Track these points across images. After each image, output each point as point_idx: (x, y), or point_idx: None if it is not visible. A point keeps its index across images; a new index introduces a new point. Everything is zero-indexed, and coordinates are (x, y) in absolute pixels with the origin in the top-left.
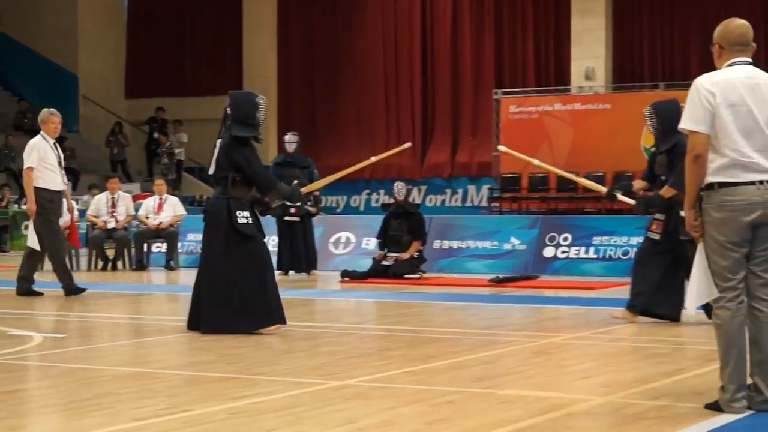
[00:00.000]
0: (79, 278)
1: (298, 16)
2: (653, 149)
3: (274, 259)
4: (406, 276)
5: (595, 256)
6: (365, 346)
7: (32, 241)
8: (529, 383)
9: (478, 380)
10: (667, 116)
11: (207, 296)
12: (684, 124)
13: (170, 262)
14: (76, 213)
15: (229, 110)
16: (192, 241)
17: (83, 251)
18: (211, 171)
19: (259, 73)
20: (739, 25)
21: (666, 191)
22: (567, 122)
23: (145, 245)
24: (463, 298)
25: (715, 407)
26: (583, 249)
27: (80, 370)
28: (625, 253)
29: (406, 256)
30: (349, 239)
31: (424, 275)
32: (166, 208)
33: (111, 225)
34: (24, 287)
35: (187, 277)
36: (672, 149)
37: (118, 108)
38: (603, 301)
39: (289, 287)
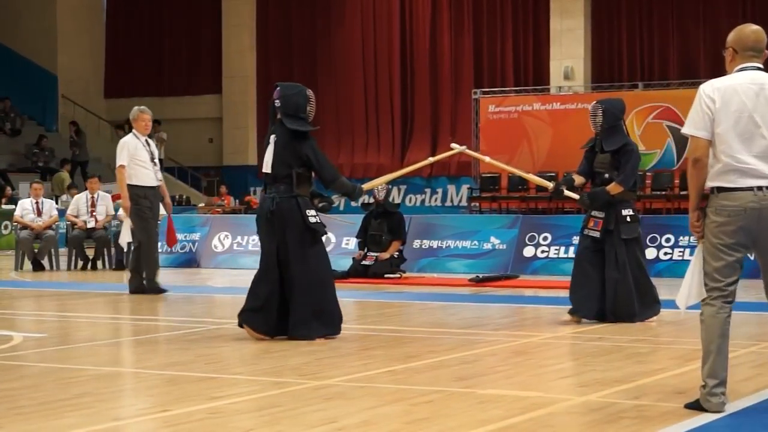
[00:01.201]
0: (59, 278)
1: (276, 16)
2: (590, 145)
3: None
4: (386, 276)
5: (575, 256)
6: (345, 345)
7: (124, 237)
8: (509, 383)
9: (458, 380)
10: (613, 114)
11: (292, 301)
12: (685, 129)
13: None
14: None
15: (278, 103)
16: None
17: (63, 251)
18: (267, 169)
19: (238, 73)
20: (754, 30)
21: (613, 188)
22: (546, 122)
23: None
24: (443, 298)
25: (695, 407)
26: (562, 248)
27: (59, 369)
28: None
29: (386, 255)
30: (329, 239)
31: (404, 275)
32: None
33: (91, 225)
34: (152, 286)
35: (167, 276)
36: (620, 150)
37: (98, 108)
38: None
39: None
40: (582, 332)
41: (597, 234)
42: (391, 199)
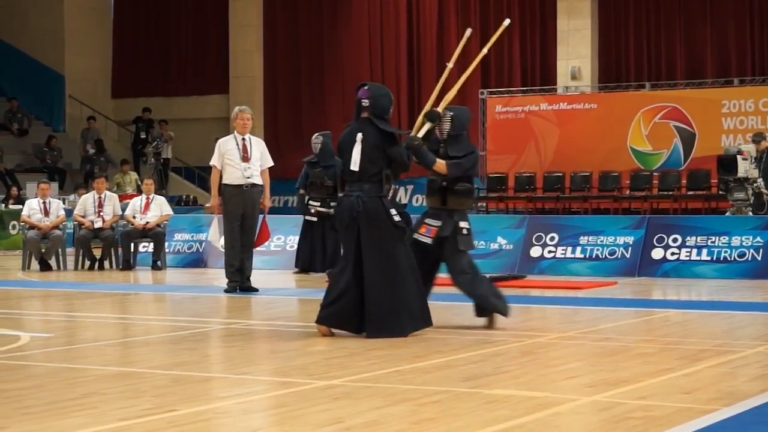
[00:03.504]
0: (66, 278)
1: (283, 16)
2: (434, 150)
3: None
4: None
5: (582, 256)
6: (352, 345)
7: (211, 237)
8: (516, 383)
9: (465, 380)
10: (460, 123)
11: (379, 299)
12: None
13: (157, 262)
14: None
15: (366, 102)
16: (179, 240)
17: (70, 251)
18: (355, 167)
19: (245, 73)
20: None
21: (439, 165)
22: (553, 122)
23: (132, 245)
24: (449, 298)
25: None
26: (569, 249)
27: (66, 369)
28: (612, 253)
29: None
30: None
31: None
32: (153, 208)
33: (98, 225)
34: (230, 286)
35: (174, 276)
36: (463, 157)
37: (105, 108)
38: (590, 300)
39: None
40: (589, 332)
41: (429, 240)
42: (398, 199)
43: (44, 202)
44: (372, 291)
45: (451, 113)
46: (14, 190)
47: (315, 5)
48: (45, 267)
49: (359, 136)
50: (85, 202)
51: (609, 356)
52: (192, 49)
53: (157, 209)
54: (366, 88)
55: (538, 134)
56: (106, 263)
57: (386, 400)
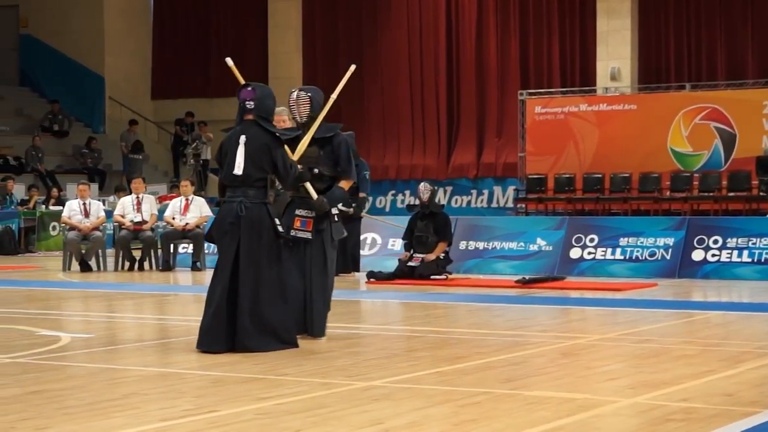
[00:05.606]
0: (106, 279)
1: (322, 17)
2: (292, 136)
3: None
4: (433, 277)
5: (622, 258)
6: (392, 347)
7: None
8: (557, 384)
9: (505, 381)
10: (318, 103)
11: (252, 310)
12: None
13: (196, 263)
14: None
15: (251, 105)
16: None
17: (110, 252)
18: (238, 171)
19: (284, 74)
20: None
21: (345, 184)
22: (593, 123)
23: (172, 246)
24: (489, 299)
25: None
26: (609, 250)
27: (107, 370)
28: (652, 255)
29: (432, 257)
30: (375, 240)
31: (451, 276)
32: (192, 209)
33: (137, 219)
34: None
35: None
36: (332, 139)
37: (144, 109)
38: (629, 302)
39: None
40: (629, 334)
41: (308, 235)
42: (437, 201)
43: (84, 204)
44: (245, 301)
45: (309, 94)
46: (54, 192)
47: (354, 6)
48: (85, 268)
49: (242, 138)
50: (124, 203)
51: (649, 358)
52: (231, 51)
53: (196, 210)
54: (250, 89)
55: (578, 135)
56: (146, 264)
57: (427, 402)
